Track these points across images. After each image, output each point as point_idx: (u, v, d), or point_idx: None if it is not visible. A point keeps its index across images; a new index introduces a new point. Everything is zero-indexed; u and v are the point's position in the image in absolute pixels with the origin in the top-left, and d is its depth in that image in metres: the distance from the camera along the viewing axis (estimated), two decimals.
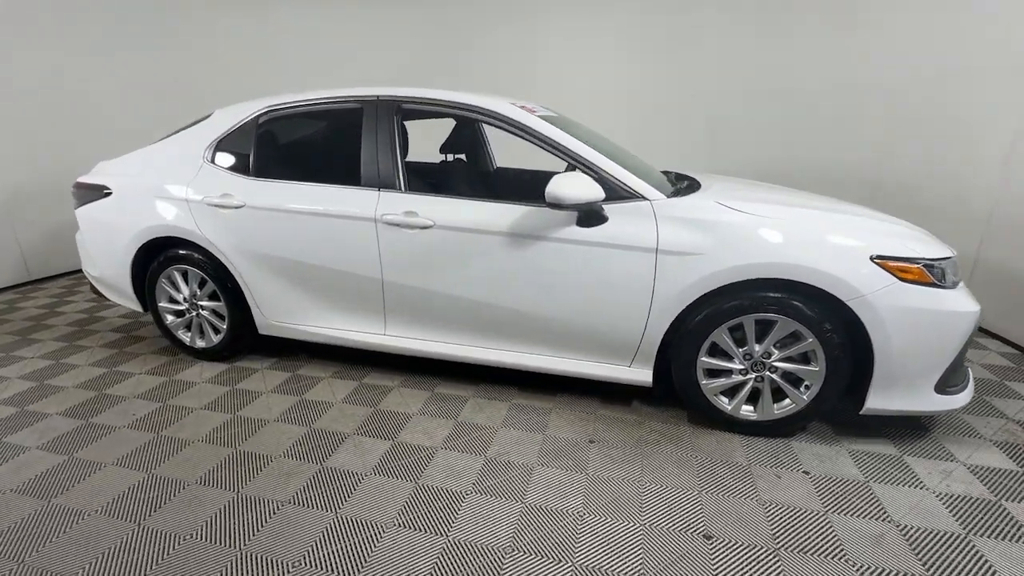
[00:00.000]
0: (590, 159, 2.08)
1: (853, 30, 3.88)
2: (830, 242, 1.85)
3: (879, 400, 1.91)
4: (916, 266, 1.81)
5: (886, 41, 3.72)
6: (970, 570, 1.48)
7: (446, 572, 1.47)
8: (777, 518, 1.67)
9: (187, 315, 2.78)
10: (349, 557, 1.53)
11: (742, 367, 2.03)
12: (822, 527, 1.64)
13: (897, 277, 1.79)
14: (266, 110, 2.55)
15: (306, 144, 2.84)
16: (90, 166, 2.94)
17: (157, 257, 2.67)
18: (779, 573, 1.47)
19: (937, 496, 1.77)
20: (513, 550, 1.55)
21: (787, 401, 2.02)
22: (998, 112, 2.99)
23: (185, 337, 2.83)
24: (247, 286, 2.57)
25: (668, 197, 2.04)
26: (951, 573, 1.47)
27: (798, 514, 1.69)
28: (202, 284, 2.68)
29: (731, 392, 2.09)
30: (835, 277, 1.81)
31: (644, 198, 2.02)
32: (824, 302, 1.86)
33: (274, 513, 1.69)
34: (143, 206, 2.63)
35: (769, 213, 1.95)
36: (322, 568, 1.48)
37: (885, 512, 1.70)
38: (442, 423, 2.21)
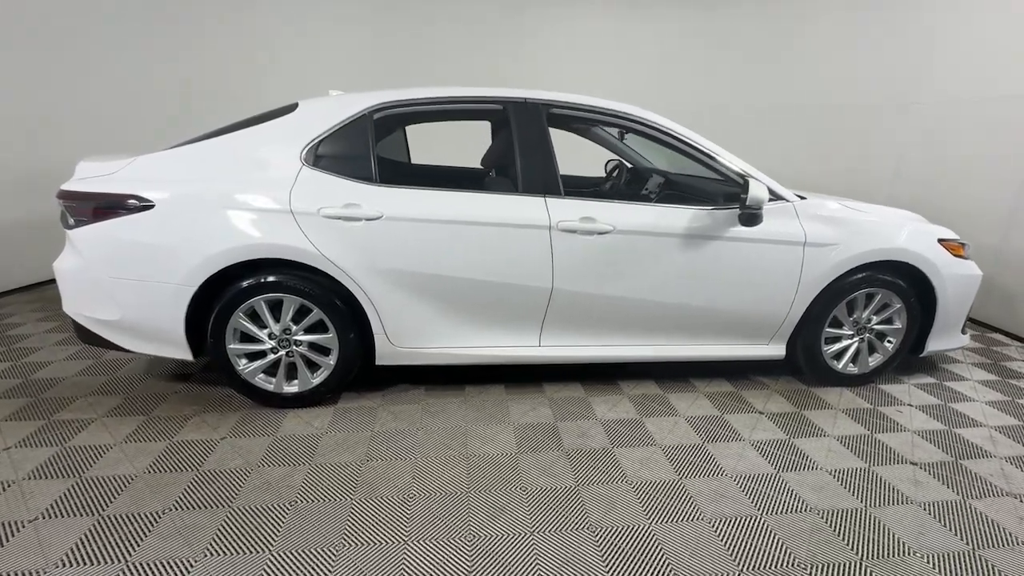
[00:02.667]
0: (746, 169, 2.36)
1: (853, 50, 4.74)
2: (915, 231, 2.48)
3: (933, 344, 2.63)
4: (959, 245, 2.55)
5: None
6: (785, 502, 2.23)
7: None
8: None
9: (272, 355, 2.22)
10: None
11: (851, 332, 2.57)
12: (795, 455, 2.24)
13: (952, 253, 2.50)
14: (380, 106, 2.20)
15: (436, 146, 2.50)
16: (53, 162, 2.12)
17: (229, 287, 2.09)
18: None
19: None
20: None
21: (877, 355, 2.63)
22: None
23: (266, 384, 2.26)
24: (377, 310, 2.19)
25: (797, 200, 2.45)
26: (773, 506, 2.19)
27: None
28: (297, 314, 2.18)
29: (837, 355, 2.61)
30: (923, 257, 2.44)
31: (787, 200, 2.39)
32: (910, 275, 2.49)
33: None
34: (217, 222, 2.04)
35: (872, 212, 2.50)
36: None
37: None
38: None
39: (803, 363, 2.60)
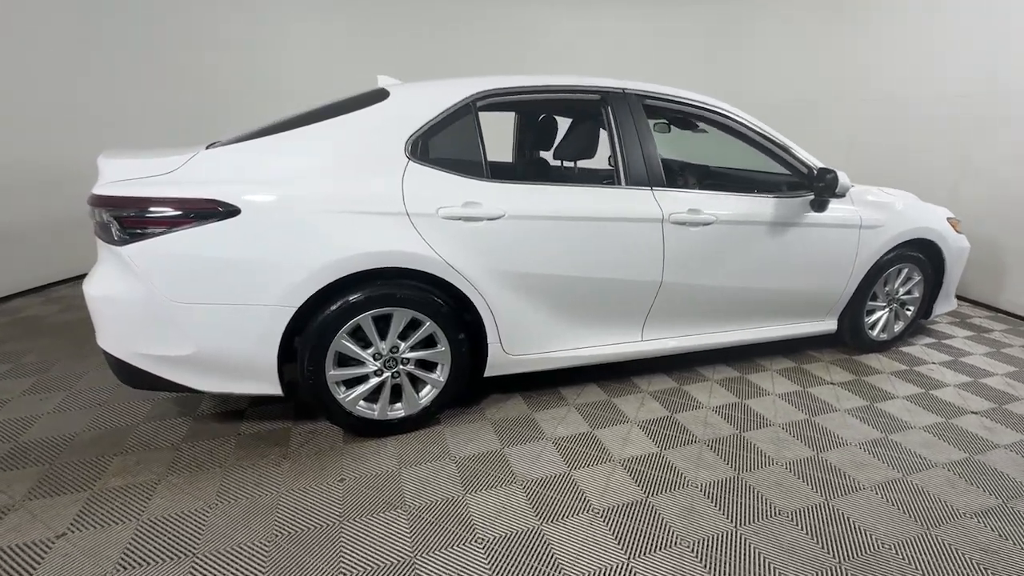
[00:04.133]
0: (815, 161, 2.52)
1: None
2: (933, 211, 2.84)
3: (938, 308, 3.05)
4: (957, 221, 2.97)
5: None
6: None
7: None
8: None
9: (375, 378, 1.94)
10: None
11: (883, 304, 2.88)
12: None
13: (955, 229, 2.91)
14: (484, 94, 2.01)
15: (538, 138, 2.30)
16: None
17: (328, 305, 1.78)
18: None
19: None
20: None
21: (900, 322, 2.98)
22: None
23: (369, 410, 1.96)
24: (494, 316, 2.01)
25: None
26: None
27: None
28: (404, 329, 1.93)
29: (872, 325, 2.92)
30: (940, 233, 2.81)
31: None
32: (927, 250, 2.85)
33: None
34: (323, 228, 1.72)
35: (895, 195, 2.81)
36: None
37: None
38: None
39: (848, 334, 2.87)
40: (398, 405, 2.02)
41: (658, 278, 2.23)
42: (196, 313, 1.67)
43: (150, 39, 4.39)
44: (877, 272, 2.73)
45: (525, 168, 2.96)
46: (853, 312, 2.80)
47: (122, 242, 1.62)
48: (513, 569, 1.45)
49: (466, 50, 5.48)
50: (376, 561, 1.46)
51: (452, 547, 1.51)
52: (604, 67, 5.73)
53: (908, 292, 2.92)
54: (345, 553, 1.48)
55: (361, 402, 1.95)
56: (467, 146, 1.97)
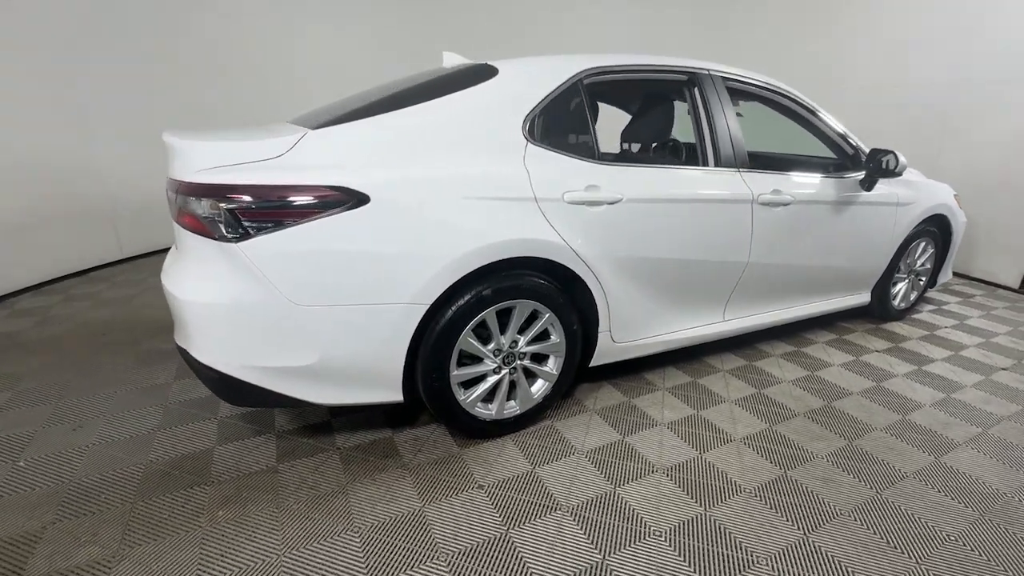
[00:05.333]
0: (862, 144, 2.65)
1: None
2: (943, 188, 3.10)
3: (941, 277, 3.35)
4: (959, 197, 3.26)
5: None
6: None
7: None
8: None
9: (494, 376, 1.82)
10: None
11: (904, 275, 3.12)
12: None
13: (958, 203, 3.20)
14: (590, 72, 1.91)
15: (638, 118, 2.19)
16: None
17: (458, 299, 1.64)
18: None
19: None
20: None
21: (914, 292, 3.24)
22: None
23: (486, 411, 1.84)
24: (608, 304, 1.94)
25: None
26: None
27: None
28: (523, 321, 1.82)
29: (895, 296, 3.15)
30: (951, 208, 3.08)
31: None
32: (938, 223, 3.11)
33: None
34: (457, 216, 1.57)
35: (915, 174, 3.03)
36: None
37: None
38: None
39: (876, 305, 3.09)
40: (512, 403, 1.91)
41: (745, 259, 2.27)
42: (322, 316, 1.47)
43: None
44: (904, 246, 2.96)
45: (621, 150, 2.86)
46: (882, 284, 3.02)
47: (238, 238, 1.38)
48: (702, 557, 1.42)
49: (454, 38, 5.31)
50: (568, 567, 1.37)
51: (634, 543, 1.46)
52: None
53: (923, 264, 3.19)
54: (531, 563, 1.38)
55: (479, 403, 1.83)
56: (579, 126, 1.88)
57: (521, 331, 1.83)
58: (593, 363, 2.08)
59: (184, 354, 1.60)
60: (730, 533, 1.50)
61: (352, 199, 1.45)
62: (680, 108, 2.37)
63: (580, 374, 2.23)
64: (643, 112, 2.29)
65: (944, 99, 4.18)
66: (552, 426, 2.01)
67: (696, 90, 2.18)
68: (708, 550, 1.44)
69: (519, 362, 1.86)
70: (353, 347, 1.53)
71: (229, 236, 1.38)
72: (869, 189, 2.61)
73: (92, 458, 1.76)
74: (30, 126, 3.40)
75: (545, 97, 1.81)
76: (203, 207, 1.40)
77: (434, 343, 1.63)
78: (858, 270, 2.81)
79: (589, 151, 1.87)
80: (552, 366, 1.95)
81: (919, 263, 3.16)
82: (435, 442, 1.88)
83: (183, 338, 1.55)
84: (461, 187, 1.60)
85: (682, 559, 1.41)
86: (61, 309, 3.13)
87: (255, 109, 4.68)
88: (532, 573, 1.35)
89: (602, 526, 1.52)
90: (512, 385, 1.89)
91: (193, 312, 1.45)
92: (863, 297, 2.98)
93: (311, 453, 1.81)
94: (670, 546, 1.45)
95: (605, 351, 2.07)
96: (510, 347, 1.82)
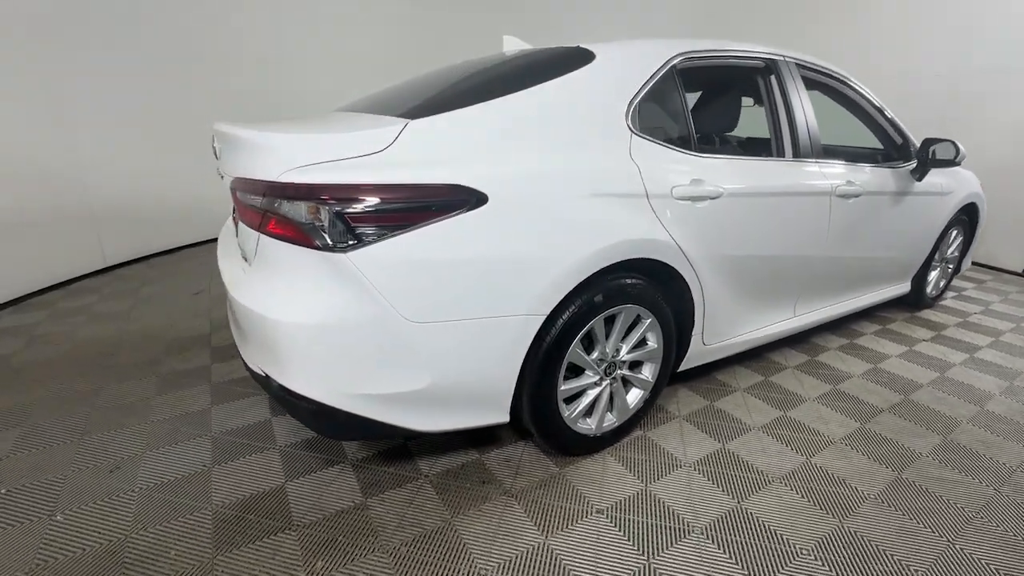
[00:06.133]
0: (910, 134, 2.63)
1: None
2: (973, 177, 3.13)
3: (964, 264, 3.42)
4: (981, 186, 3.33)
5: None
6: None
7: None
8: None
9: (594, 388, 1.67)
10: None
11: (937, 264, 3.16)
12: None
13: (981, 188, 3.26)
14: (683, 56, 1.77)
15: (723, 106, 2.05)
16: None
17: (569, 306, 1.48)
18: None
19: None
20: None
21: (943, 279, 3.29)
22: None
23: (586, 426, 1.69)
24: (704, 305, 1.83)
25: None
26: None
27: None
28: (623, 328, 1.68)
29: (928, 283, 3.18)
30: (980, 196, 3.13)
31: None
32: (968, 211, 3.15)
33: None
34: (573, 216, 1.41)
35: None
36: None
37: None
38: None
39: (913, 294, 3.11)
40: (610, 415, 1.77)
41: (821, 252, 2.20)
42: (437, 334, 1.28)
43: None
44: (943, 234, 2.98)
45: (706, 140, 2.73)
46: (921, 273, 3.04)
47: (346, 246, 1.18)
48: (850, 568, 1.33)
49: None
50: None
51: (786, 566, 1.35)
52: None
53: (952, 252, 3.24)
54: None
55: (583, 417, 1.69)
56: (675, 115, 1.74)
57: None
58: (682, 367, 1.97)
59: (265, 382, 1.38)
60: (877, 546, 1.42)
61: (471, 199, 1.27)
62: (746, 96, 2.28)
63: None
64: (728, 100, 2.18)
65: (945, 88, 4.28)
66: (645, 436, 1.89)
67: (775, 77, 2.09)
68: (863, 567, 1.36)
69: (619, 371, 1.73)
70: (468, 366, 1.35)
71: (336, 245, 1.18)
72: (920, 179, 2.60)
73: (143, 506, 1.51)
74: (1, 123, 2.99)
75: (644, 83, 1.66)
76: (301, 212, 1.19)
77: (543, 356, 1.47)
78: (905, 260, 2.81)
79: (687, 142, 1.74)
80: (648, 373, 1.82)
81: (950, 251, 3.21)
82: (530, 463, 1.73)
83: (268, 364, 1.33)
84: (577, 183, 1.43)
85: None
86: (50, 327, 2.76)
87: (252, 106, 4.34)
88: None
89: (745, 548, 1.40)
90: (610, 396, 1.75)
91: (287, 334, 1.23)
92: (905, 286, 3.00)
93: (398, 483, 1.62)
94: (821, 564, 1.36)
95: (696, 355, 1.96)
96: (615, 356, 1.68)
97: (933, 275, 3.18)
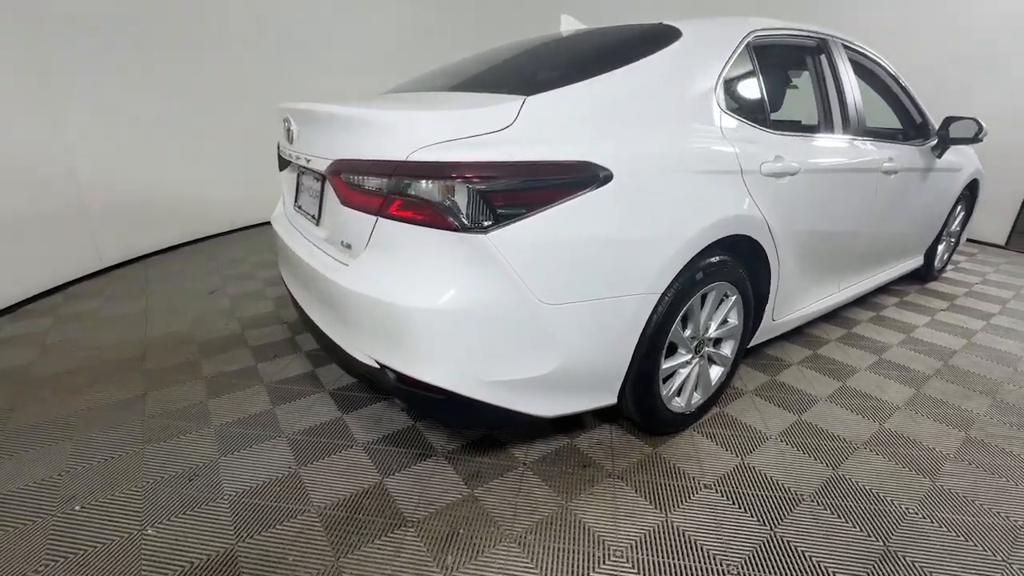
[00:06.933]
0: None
1: None
2: (974, 154, 3.31)
3: (964, 237, 3.62)
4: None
5: None
6: None
7: None
8: None
9: (686, 367, 1.68)
10: None
11: (944, 237, 3.33)
12: None
13: (980, 166, 3.45)
14: (757, 34, 1.78)
15: (786, 84, 2.06)
16: None
17: (674, 284, 1.47)
18: None
19: None
20: None
21: (947, 253, 3.48)
22: None
23: (679, 404, 1.70)
24: (779, 281, 1.86)
25: None
26: None
27: None
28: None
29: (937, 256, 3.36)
30: (981, 172, 3.30)
31: None
32: (971, 186, 3.33)
33: None
34: (685, 192, 1.41)
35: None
36: None
37: None
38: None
39: (923, 266, 3.27)
40: (696, 393, 1.79)
41: (867, 228, 2.28)
42: (567, 316, 1.25)
43: None
44: (953, 209, 3.15)
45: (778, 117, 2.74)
46: (932, 247, 3.20)
47: (486, 227, 1.13)
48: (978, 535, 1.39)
49: None
50: (853, 562, 1.29)
51: (899, 527, 1.40)
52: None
53: (956, 226, 3.42)
54: (825, 562, 1.28)
55: (675, 394, 1.69)
56: (753, 93, 1.75)
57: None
58: (752, 343, 2.01)
59: (377, 374, 1.31)
60: (973, 500, 1.50)
61: (599, 176, 1.24)
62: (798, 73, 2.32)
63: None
64: (791, 79, 2.21)
65: (936, 75, 4.50)
66: (723, 412, 1.92)
67: (827, 56, 2.13)
68: (964, 521, 1.42)
69: (705, 349, 1.74)
70: (593, 348, 1.33)
71: (476, 225, 1.13)
72: (940, 156, 2.73)
73: (240, 513, 1.42)
74: None
75: (727, 60, 1.66)
76: (435, 192, 1.13)
77: (652, 335, 1.47)
78: (924, 234, 2.95)
79: (764, 120, 1.76)
80: (728, 350, 1.84)
81: (954, 225, 3.39)
82: (621, 445, 1.72)
83: (388, 354, 1.26)
84: (685, 160, 1.43)
85: (961, 538, 1.38)
86: (61, 334, 2.55)
87: (250, 100, 4.11)
88: (831, 572, 1.26)
89: (855, 513, 1.44)
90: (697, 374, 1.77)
91: (421, 321, 1.17)
92: (919, 260, 3.15)
93: (499, 473, 1.58)
94: (929, 520, 1.41)
95: (766, 330, 2.00)
96: (702, 334, 1.70)
97: (940, 248, 3.35)
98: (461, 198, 1.12)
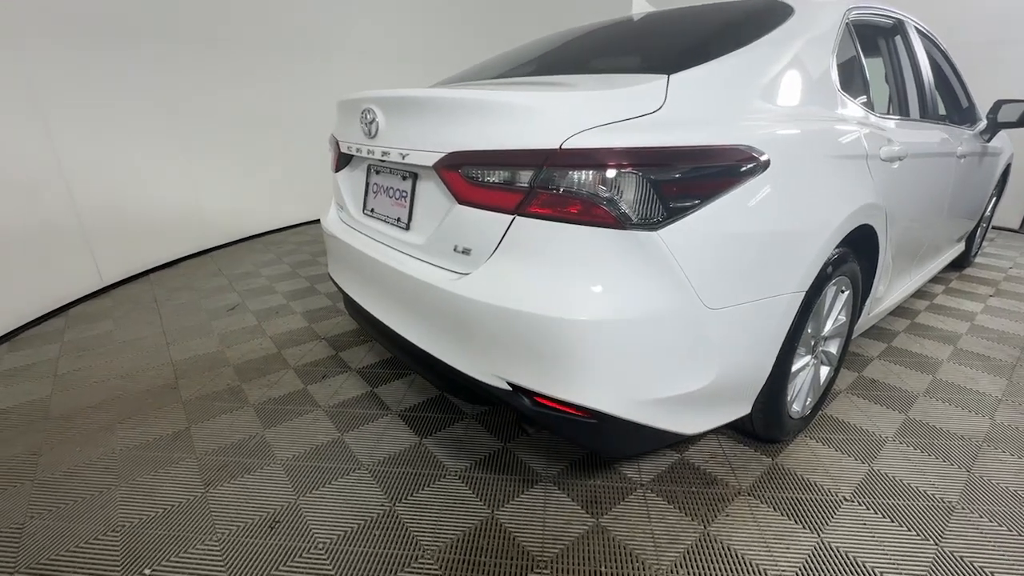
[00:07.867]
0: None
1: None
2: (1008, 138, 3.31)
3: (993, 221, 3.63)
4: None
5: None
6: None
7: None
8: None
9: (806, 367, 1.56)
10: None
11: (982, 220, 3.32)
12: None
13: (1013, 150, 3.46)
14: (853, 11, 1.67)
15: (879, 65, 1.94)
16: None
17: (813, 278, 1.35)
18: None
19: None
20: None
21: (980, 237, 3.47)
22: None
23: (796, 408, 1.57)
24: (881, 272, 1.75)
25: None
26: None
27: None
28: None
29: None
30: (1013, 154, 3.30)
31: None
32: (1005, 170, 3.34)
33: None
34: (827, 180, 1.28)
35: None
36: None
37: None
38: None
39: (964, 252, 3.25)
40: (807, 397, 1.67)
41: (943, 213, 2.22)
42: (727, 321, 1.11)
43: None
44: (993, 193, 3.13)
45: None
46: (973, 231, 3.18)
47: (658, 222, 0.97)
48: None
49: None
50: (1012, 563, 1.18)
51: None
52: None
53: (989, 211, 3.42)
54: (995, 571, 1.17)
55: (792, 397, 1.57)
56: (858, 73, 1.64)
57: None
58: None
59: (508, 396, 1.14)
60: None
61: (759, 162, 1.10)
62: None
63: None
64: (881, 59, 2.11)
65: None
66: (825, 414, 1.81)
67: (903, 38, 2.05)
68: None
69: (820, 348, 1.62)
70: (744, 355, 1.19)
71: (645, 221, 0.97)
72: (990, 140, 2.70)
73: (343, 563, 1.23)
74: None
75: (837, 37, 1.55)
76: (595, 183, 0.97)
77: (789, 336, 1.34)
78: (971, 220, 2.92)
79: (869, 101, 1.66)
80: (834, 348, 1.73)
81: (988, 209, 3.39)
82: (736, 456, 1.59)
83: (528, 374, 1.09)
84: (825, 144, 1.31)
85: None
86: (72, 363, 2.28)
87: (250, 98, 3.85)
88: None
89: (1011, 518, 1.34)
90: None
91: (574, 335, 1.01)
92: (962, 246, 3.13)
93: (618, 497, 1.42)
94: None
95: (861, 325, 1.89)
96: (820, 332, 1.58)
97: (977, 234, 3.35)
98: (629, 190, 0.97)
